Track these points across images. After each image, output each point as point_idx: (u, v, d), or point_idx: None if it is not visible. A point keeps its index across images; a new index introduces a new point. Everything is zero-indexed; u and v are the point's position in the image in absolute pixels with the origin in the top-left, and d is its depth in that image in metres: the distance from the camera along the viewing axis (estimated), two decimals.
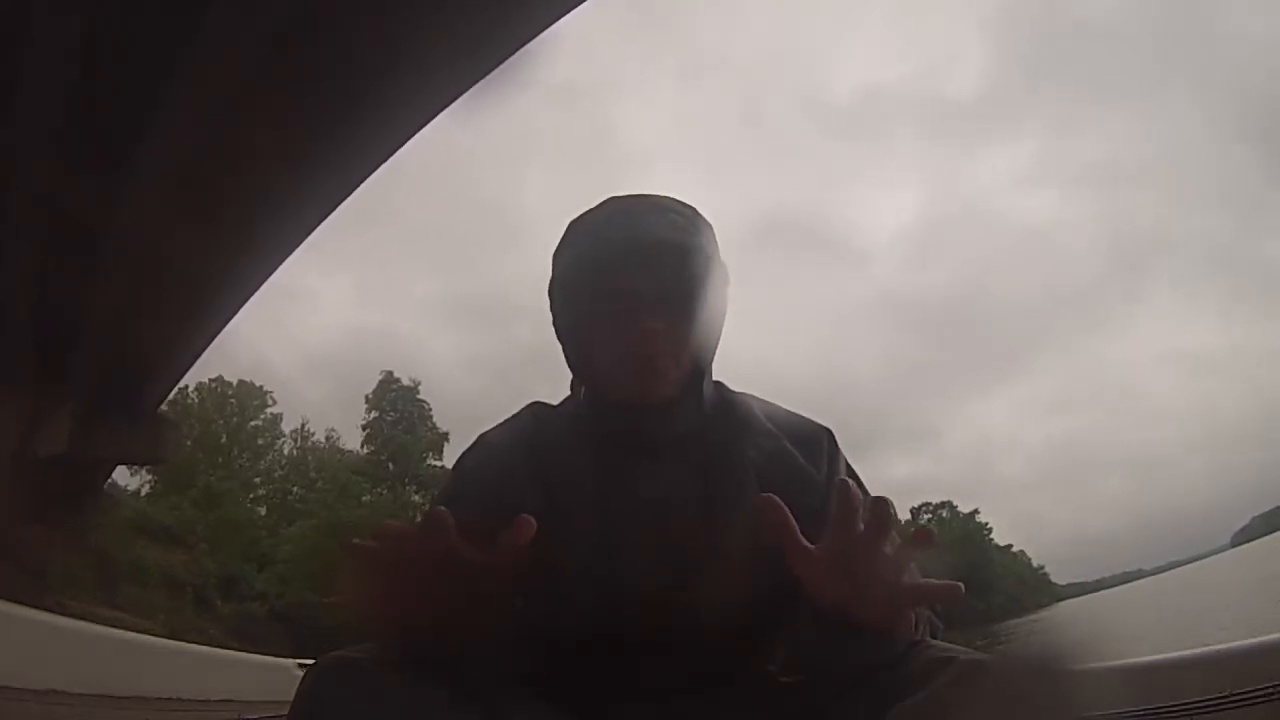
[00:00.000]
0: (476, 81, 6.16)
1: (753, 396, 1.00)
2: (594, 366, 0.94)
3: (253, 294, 9.10)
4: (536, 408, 1.02)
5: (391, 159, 7.24)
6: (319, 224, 8.03)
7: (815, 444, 0.95)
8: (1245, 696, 1.71)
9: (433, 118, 6.59)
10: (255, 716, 3.59)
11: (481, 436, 0.99)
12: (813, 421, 1.00)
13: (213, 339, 9.93)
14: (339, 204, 7.72)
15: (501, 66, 5.93)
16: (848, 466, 0.97)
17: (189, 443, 25.93)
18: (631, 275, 0.88)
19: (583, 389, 0.98)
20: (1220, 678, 1.85)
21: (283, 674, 4.08)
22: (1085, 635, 0.75)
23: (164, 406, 25.98)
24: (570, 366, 0.98)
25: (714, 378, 0.99)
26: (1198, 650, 2.17)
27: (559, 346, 0.98)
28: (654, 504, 0.87)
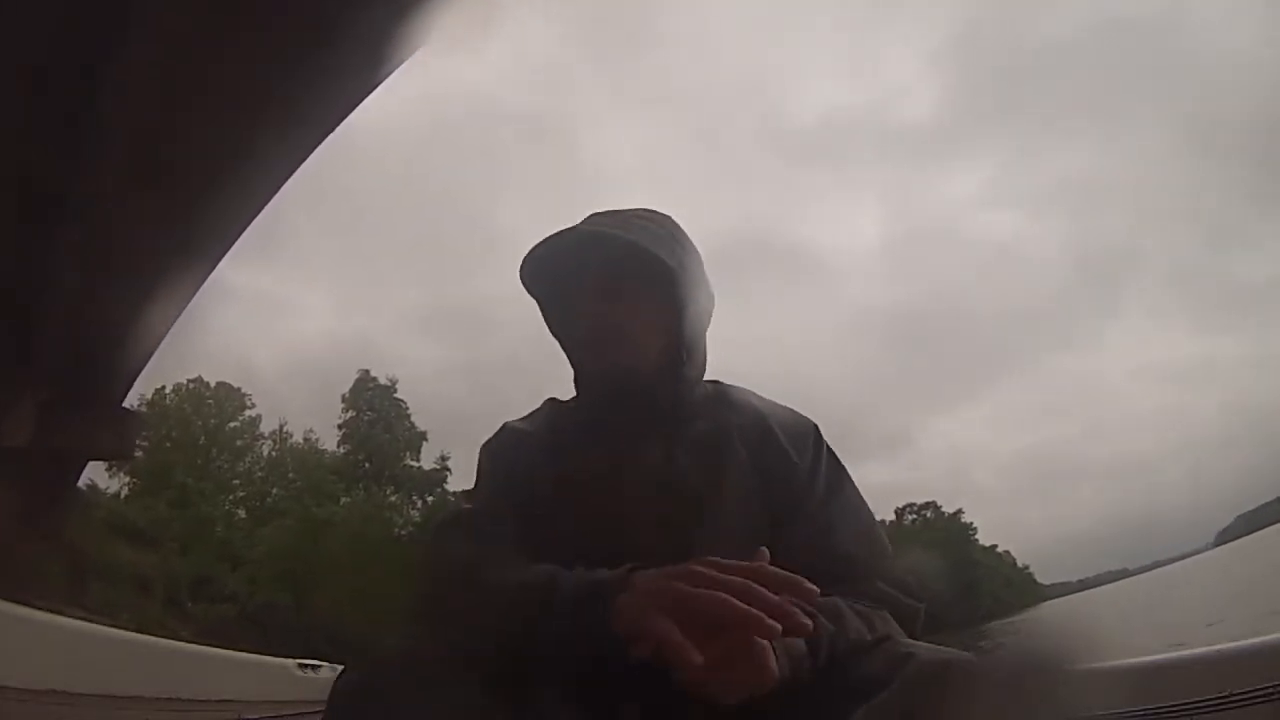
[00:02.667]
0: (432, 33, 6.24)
1: (746, 390, 1.09)
2: (568, 350, 1.09)
3: (211, 270, 9.09)
4: (551, 402, 1.11)
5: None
6: (274, 195, 8.03)
7: (803, 435, 1.03)
8: (1245, 696, 1.78)
9: (391, 71, 6.65)
10: (255, 716, 3.62)
11: (505, 425, 1.09)
12: (800, 414, 1.07)
13: (173, 321, 9.88)
14: (293, 172, 7.75)
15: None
16: (833, 459, 1.04)
17: (168, 444, 25.83)
18: (574, 261, 1.01)
19: (576, 379, 1.09)
20: (1220, 678, 1.92)
21: (283, 674, 4.10)
22: (1074, 634, 0.76)
23: (142, 406, 25.91)
24: (568, 359, 1.11)
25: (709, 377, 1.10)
26: (1198, 650, 2.25)
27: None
28: (649, 485, 0.94)
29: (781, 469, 0.97)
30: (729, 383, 1.10)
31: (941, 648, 0.76)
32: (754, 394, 1.08)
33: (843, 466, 1.04)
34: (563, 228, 1.03)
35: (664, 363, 1.01)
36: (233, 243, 8.63)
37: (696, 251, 1.06)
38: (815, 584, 0.82)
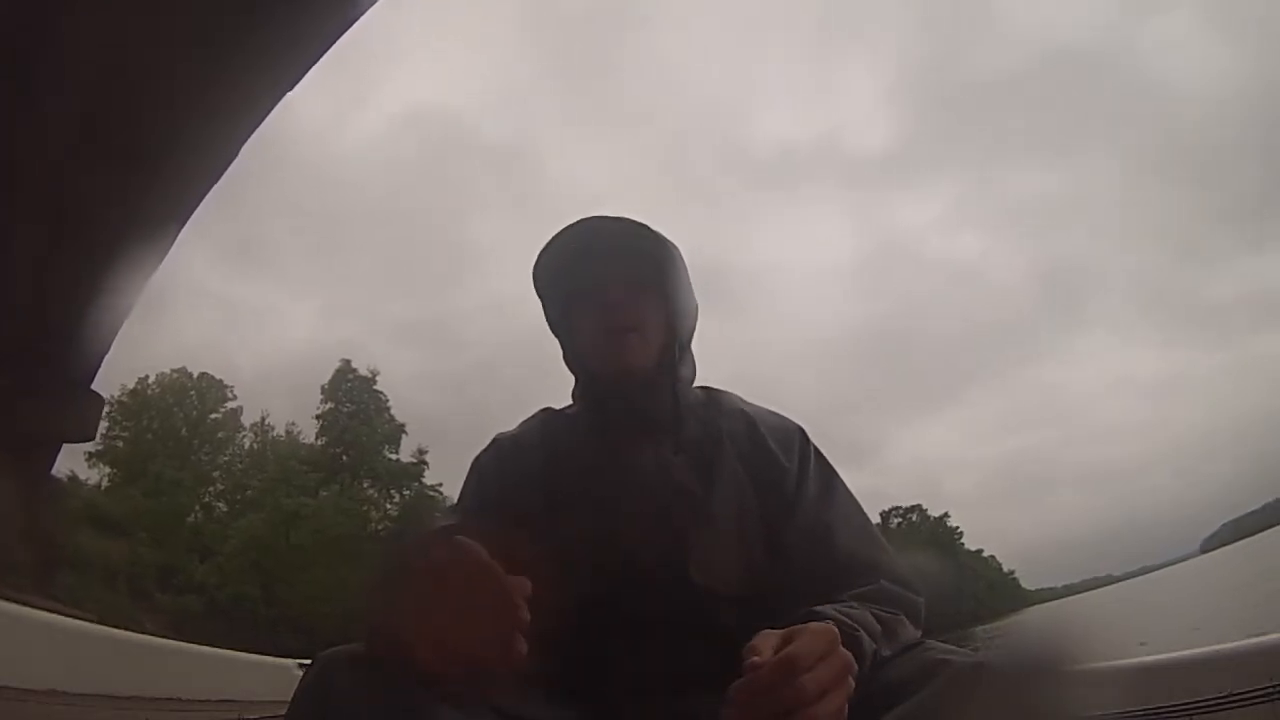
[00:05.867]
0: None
1: (733, 394, 1.15)
2: (577, 349, 1.09)
3: (169, 247, 9.04)
4: (545, 412, 1.14)
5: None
6: (228, 167, 8.01)
7: (790, 439, 1.07)
8: (1245, 696, 1.90)
9: (338, 36, 6.70)
10: (255, 716, 3.70)
11: (496, 437, 1.10)
12: (786, 418, 1.12)
13: (133, 303, 9.83)
14: (245, 142, 7.74)
15: None
16: (821, 460, 1.08)
17: (150, 435, 25.57)
18: (594, 260, 1.04)
19: (577, 383, 1.11)
20: (1220, 678, 2.06)
21: (283, 674, 4.19)
22: (1080, 634, 0.78)
23: (124, 396, 25.50)
24: (565, 361, 1.11)
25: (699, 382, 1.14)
26: (1198, 650, 2.38)
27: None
28: (645, 486, 0.97)
29: (772, 472, 1.00)
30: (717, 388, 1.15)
31: (971, 651, 0.78)
32: (741, 399, 1.12)
33: (832, 468, 1.06)
34: (573, 225, 1.06)
35: (664, 361, 1.04)
36: (188, 217, 8.55)
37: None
38: (819, 584, 0.87)
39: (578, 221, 1.08)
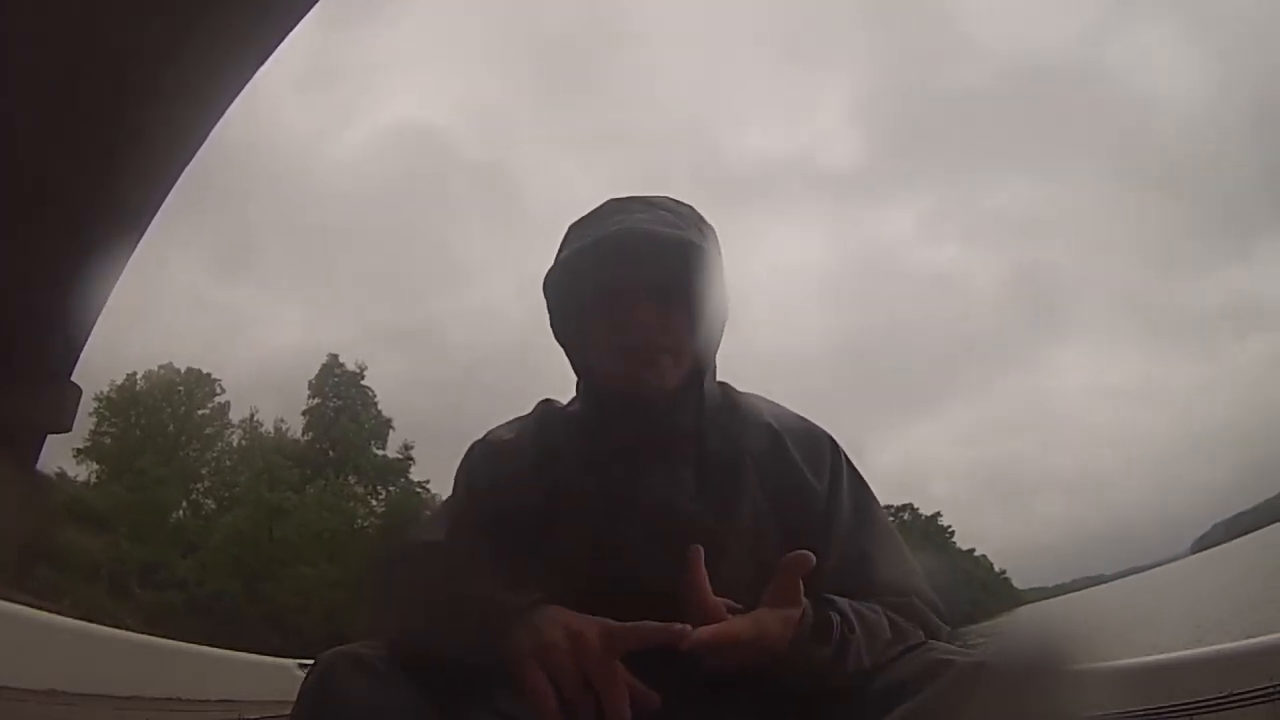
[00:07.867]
0: None
1: (759, 397, 1.04)
2: (592, 363, 0.98)
3: (144, 231, 9.03)
4: (545, 407, 1.06)
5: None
6: (199, 147, 7.97)
7: (819, 452, 0.99)
8: (1245, 696, 1.95)
9: (310, 7, 6.70)
10: (255, 716, 3.74)
11: (488, 434, 1.03)
12: (817, 426, 1.03)
13: (111, 287, 9.79)
14: (218, 120, 7.72)
15: None
16: (853, 474, 1.03)
17: (138, 431, 25.36)
18: (622, 269, 0.92)
19: (584, 387, 1.02)
20: (1220, 678, 2.12)
21: (283, 674, 4.23)
22: (1079, 633, 0.78)
23: (112, 392, 25.34)
24: (573, 366, 1.02)
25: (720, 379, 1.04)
26: (1198, 650, 2.44)
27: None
28: (655, 503, 0.90)
29: (799, 493, 0.94)
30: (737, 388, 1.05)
31: (974, 651, 0.78)
32: (764, 402, 1.04)
33: (864, 481, 1.01)
34: (599, 218, 0.97)
35: (690, 377, 0.96)
36: (162, 200, 8.50)
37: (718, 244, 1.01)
38: None
39: (603, 208, 1.00)
